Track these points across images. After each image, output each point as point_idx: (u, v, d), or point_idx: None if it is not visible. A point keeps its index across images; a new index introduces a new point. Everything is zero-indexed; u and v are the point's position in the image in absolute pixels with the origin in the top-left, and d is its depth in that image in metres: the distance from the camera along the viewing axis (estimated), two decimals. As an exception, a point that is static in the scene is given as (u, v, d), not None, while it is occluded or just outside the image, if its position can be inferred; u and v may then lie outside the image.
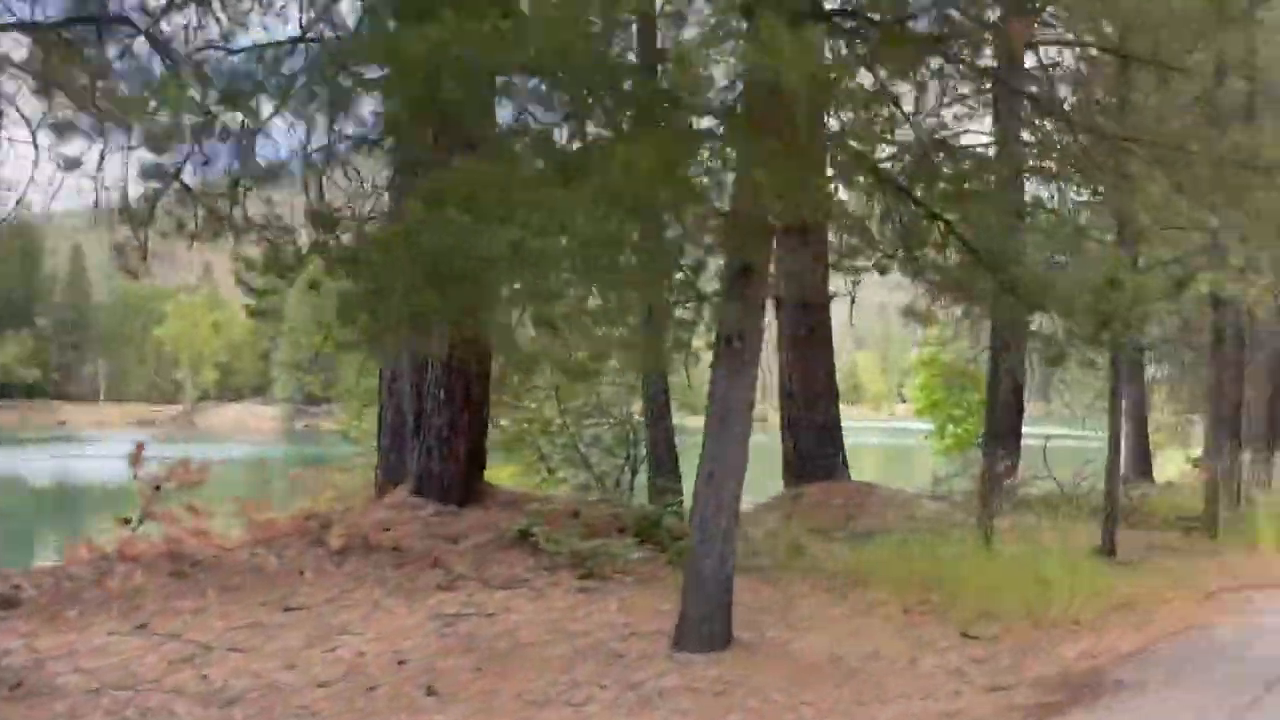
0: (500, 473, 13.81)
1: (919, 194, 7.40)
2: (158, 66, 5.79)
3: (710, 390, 5.92)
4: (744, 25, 5.26)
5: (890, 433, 51.30)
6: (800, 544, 9.13)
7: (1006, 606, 7.31)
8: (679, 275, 5.71)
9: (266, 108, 6.30)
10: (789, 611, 7.10)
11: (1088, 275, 7.55)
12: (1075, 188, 9.62)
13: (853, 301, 12.26)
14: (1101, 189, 8.74)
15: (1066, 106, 7.36)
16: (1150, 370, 21.59)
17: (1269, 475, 14.45)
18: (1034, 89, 7.96)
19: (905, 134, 7.39)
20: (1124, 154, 5.80)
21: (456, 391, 8.25)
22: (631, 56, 6.19)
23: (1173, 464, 20.18)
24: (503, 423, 12.87)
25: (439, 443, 8.28)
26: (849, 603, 7.58)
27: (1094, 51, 8.31)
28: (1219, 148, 5.28)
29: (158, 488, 6.61)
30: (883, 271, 8.01)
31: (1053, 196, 11.87)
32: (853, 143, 10.59)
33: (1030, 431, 16.64)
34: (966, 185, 7.38)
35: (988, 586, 7.68)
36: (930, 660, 6.20)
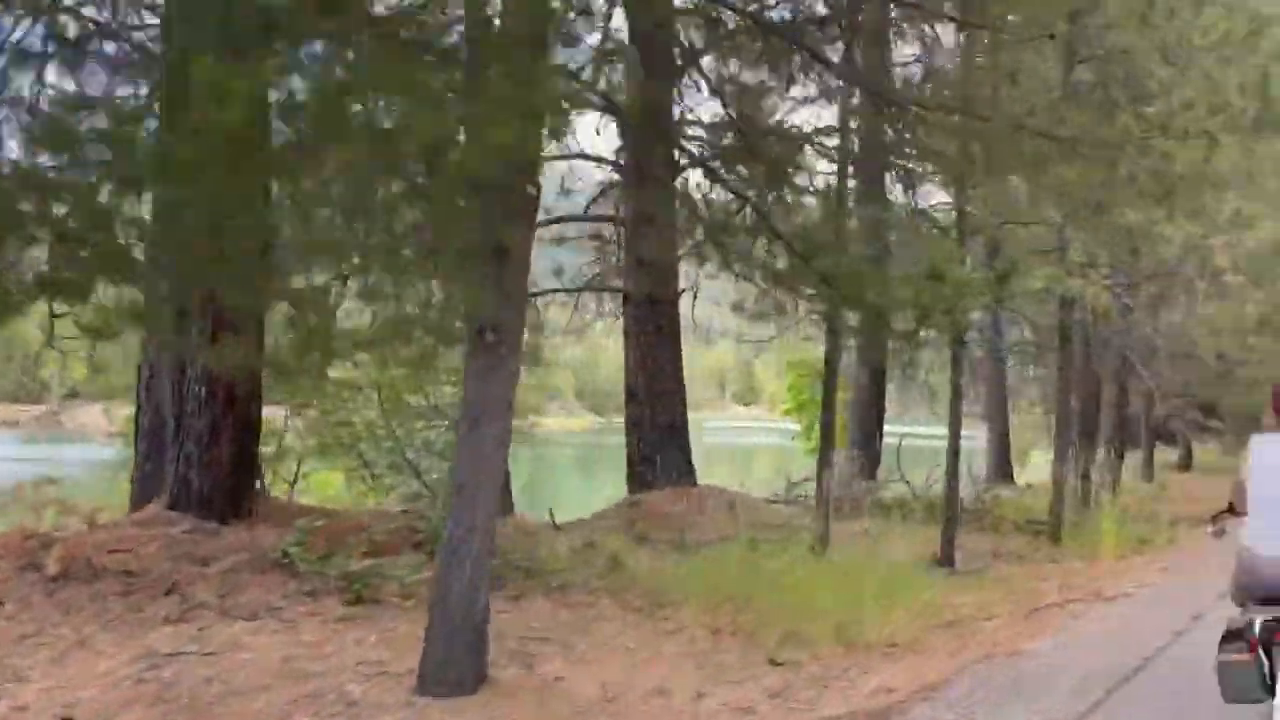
0: (329, 481, 12.72)
1: (729, 177, 6.79)
2: None
3: (464, 390, 5.11)
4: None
5: (782, 434, 51.28)
6: (619, 557, 8.38)
7: (823, 626, 6.71)
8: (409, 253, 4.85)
9: None
10: (580, 638, 6.32)
11: (910, 268, 7.04)
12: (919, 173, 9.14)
13: (695, 297, 11.61)
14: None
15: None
16: (1017, 371, 21.73)
17: (1117, 477, 14.41)
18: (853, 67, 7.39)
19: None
20: (924, 125, 5.25)
21: (219, 389, 7.21)
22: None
23: (1038, 465, 20.28)
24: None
25: (199, 449, 7.24)
26: (654, 625, 6.86)
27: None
28: (1017, 114, 4.74)
29: None
30: (702, 262, 7.34)
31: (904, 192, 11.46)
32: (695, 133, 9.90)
33: (893, 430, 16.36)
34: (789, 169, 6.79)
35: (809, 603, 7.08)
36: (721, 694, 5.51)
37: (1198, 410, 18.76)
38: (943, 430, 24.88)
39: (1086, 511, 11.95)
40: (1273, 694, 3.33)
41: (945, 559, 9.26)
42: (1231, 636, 3.49)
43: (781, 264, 6.68)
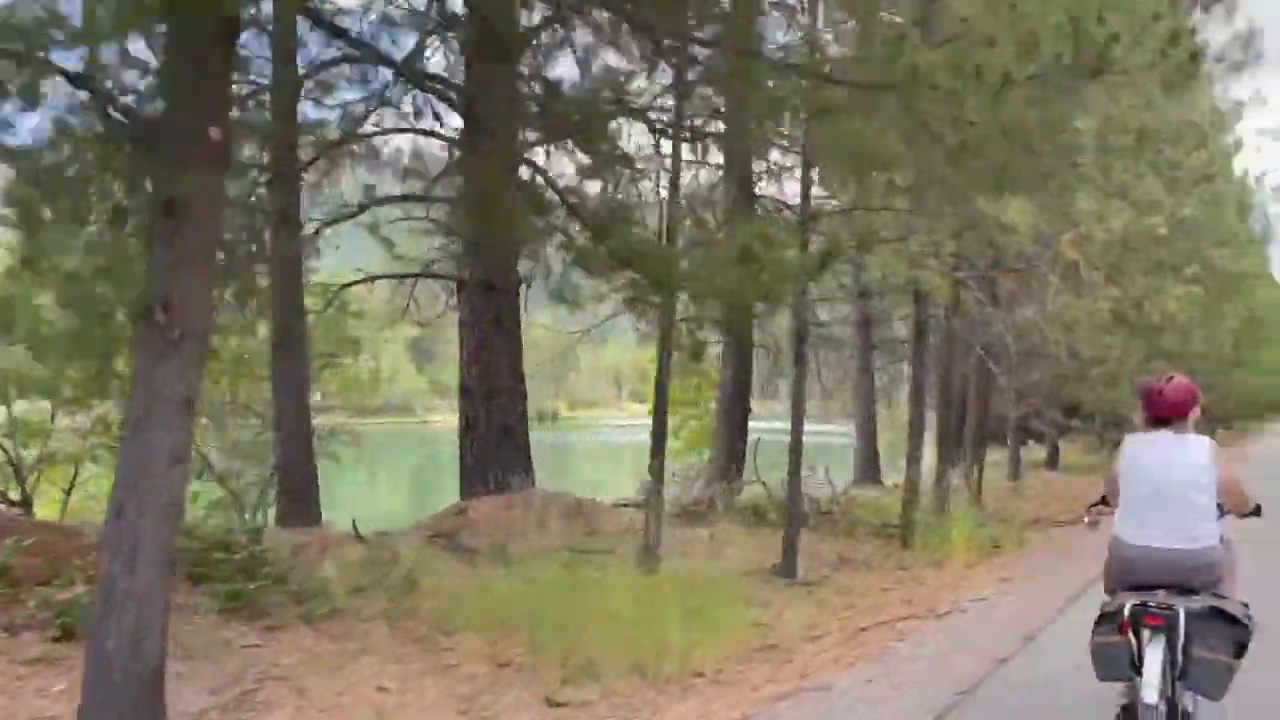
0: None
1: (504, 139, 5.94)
2: None
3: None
4: None
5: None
6: (416, 575, 7.42)
7: (624, 654, 5.91)
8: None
9: None
10: (330, 678, 5.37)
11: (721, 251, 6.32)
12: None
13: (529, 286, 10.71)
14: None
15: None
16: (896, 369, 21.52)
17: (976, 476, 14.08)
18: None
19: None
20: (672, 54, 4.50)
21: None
22: None
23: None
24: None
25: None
26: (431, 658, 5.95)
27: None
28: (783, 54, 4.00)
29: None
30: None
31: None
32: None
33: (760, 427, 15.76)
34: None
35: (617, 626, 6.26)
36: (476, 748, 4.64)
37: (1058, 409, 18.79)
38: (825, 427, 24.60)
39: (945, 514, 11.51)
40: (1140, 673, 3.57)
41: (785, 568, 8.60)
42: (1104, 620, 3.73)
43: (581, 243, 5.84)
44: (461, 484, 10.82)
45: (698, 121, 9.62)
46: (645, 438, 23.26)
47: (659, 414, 8.18)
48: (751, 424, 15.30)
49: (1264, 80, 65.41)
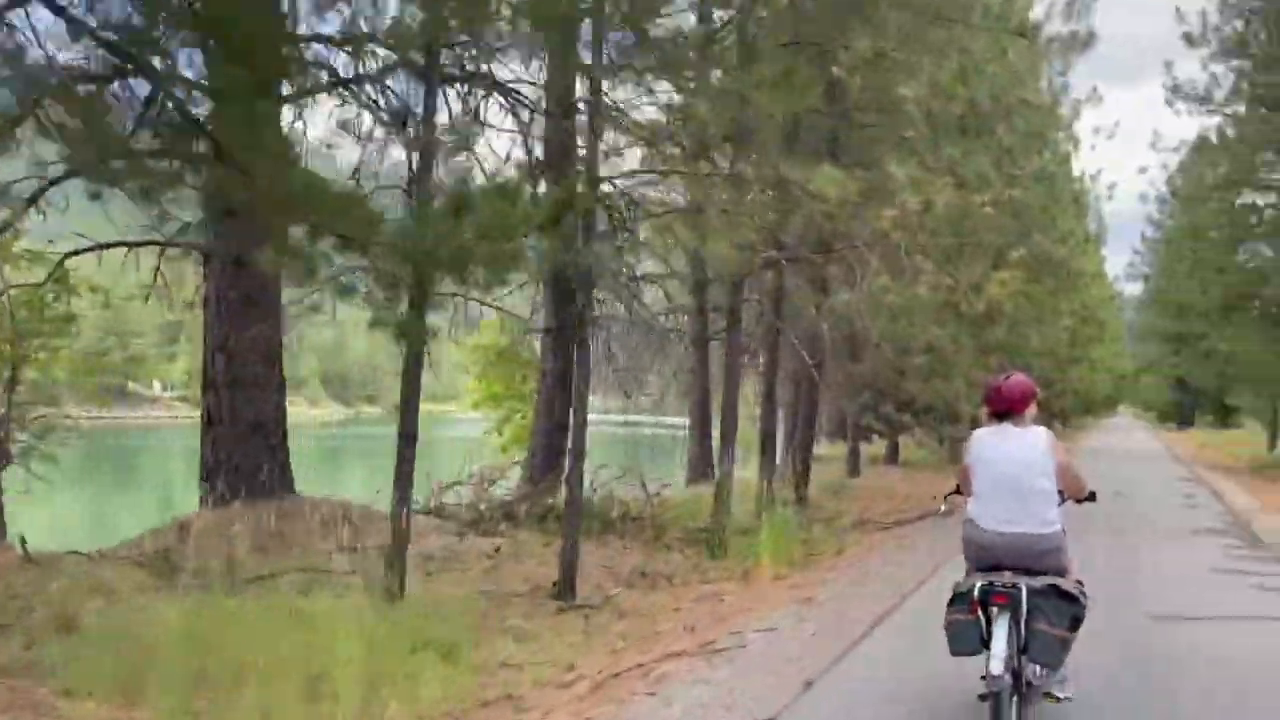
0: None
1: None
2: None
3: None
4: None
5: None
6: (75, 612, 5.84)
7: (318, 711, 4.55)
8: None
9: None
10: None
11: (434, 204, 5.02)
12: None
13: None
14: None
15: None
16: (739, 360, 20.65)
17: (799, 474, 13.24)
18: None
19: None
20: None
21: None
22: None
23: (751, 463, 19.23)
24: None
25: None
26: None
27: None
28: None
29: None
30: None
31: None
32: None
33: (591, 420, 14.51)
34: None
35: (291, 680, 4.88)
36: None
37: (893, 404, 18.31)
38: (672, 420, 23.49)
39: (763, 518, 10.51)
40: (989, 647, 3.81)
41: (562, 590, 7.37)
42: (957, 599, 4.02)
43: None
44: (201, 489, 9.16)
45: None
46: (482, 431, 21.34)
47: (407, 406, 6.78)
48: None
49: (1098, 80, 68.85)
